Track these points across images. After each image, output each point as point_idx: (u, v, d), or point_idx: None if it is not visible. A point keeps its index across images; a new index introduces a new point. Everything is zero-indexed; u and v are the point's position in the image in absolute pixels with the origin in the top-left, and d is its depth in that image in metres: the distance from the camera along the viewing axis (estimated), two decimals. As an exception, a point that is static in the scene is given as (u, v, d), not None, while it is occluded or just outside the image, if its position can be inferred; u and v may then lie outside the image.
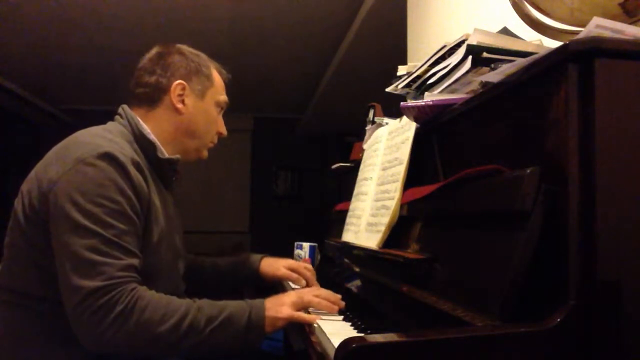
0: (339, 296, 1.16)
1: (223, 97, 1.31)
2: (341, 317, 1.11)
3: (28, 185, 1.07)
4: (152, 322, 0.95)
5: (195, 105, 1.24)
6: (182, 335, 0.96)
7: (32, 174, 1.09)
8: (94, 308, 0.92)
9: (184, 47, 1.28)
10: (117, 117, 1.22)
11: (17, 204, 1.08)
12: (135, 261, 1.00)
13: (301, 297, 1.11)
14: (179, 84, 1.22)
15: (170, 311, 0.97)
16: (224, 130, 1.33)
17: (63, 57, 4.81)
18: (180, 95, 1.22)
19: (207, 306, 1.01)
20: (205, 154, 1.31)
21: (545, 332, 0.65)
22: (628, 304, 0.67)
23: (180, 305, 0.99)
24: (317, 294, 1.14)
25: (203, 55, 1.30)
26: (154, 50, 1.27)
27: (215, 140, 1.32)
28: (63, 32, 4.22)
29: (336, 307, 1.13)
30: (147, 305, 0.96)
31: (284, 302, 1.07)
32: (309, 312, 1.12)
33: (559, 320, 0.65)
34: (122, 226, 1.00)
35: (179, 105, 1.22)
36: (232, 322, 1.00)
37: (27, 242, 1.05)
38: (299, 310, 1.08)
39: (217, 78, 1.30)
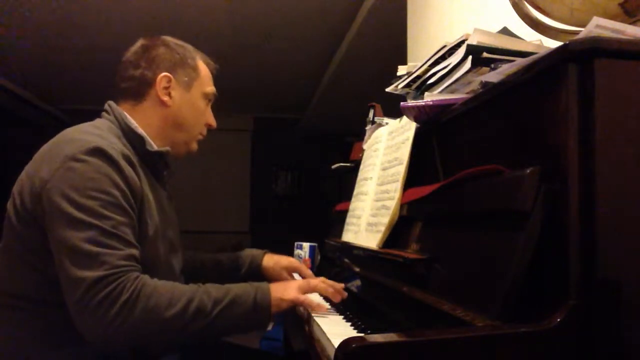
0: (342, 285, 1.19)
1: (210, 88, 1.29)
2: (341, 317, 1.11)
3: (19, 186, 1.06)
4: (159, 308, 0.94)
5: (182, 98, 1.22)
6: (190, 319, 0.95)
7: (23, 174, 1.08)
8: (99, 298, 0.91)
9: (169, 39, 1.26)
10: (103, 113, 1.21)
11: (10, 206, 1.07)
12: (135, 251, 1.00)
13: (308, 282, 1.15)
14: (164, 76, 1.20)
15: (176, 296, 0.96)
16: (213, 122, 1.31)
17: (63, 57, 4.81)
18: (166, 87, 1.20)
19: (212, 289, 1.01)
20: (194, 146, 1.29)
21: (545, 332, 0.65)
22: (628, 303, 0.67)
23: (185, 289, 0.99)
24: (323, 280, 1.18)
25: (189, 46, 1.28)
26: (138, 43, 1.25)
27: (205, 133, 1.30)
28: (63, 32, 4.22)
29: (339, 296, 1.16)
30: (152, 292, 0.95)
31: (290, 285, 1.11)
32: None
33: (559, 320, 0.65)
34: (118, 217, 0.99)
35: (165, 98, 1.20)
36: (238, 303, 1.00)
37: (21, 244, 1.04)
38: (305, 294, 1.10)
39: (204, 69, 1.28)
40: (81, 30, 4.19)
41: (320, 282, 1.17)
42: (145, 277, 0.97)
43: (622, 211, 0.68)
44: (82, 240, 0.94)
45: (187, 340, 1.01)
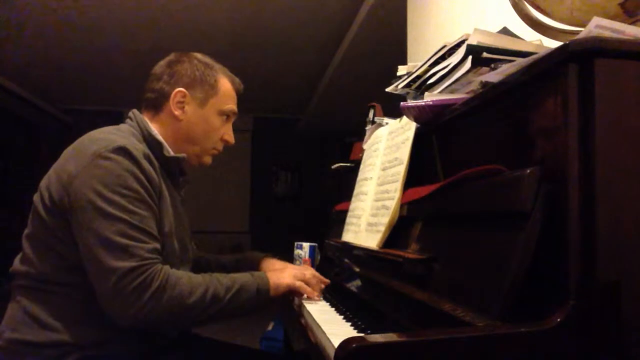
0: (328, 281, 1.36)
1: (229, 107, 1.33)
2: (341, 317, 1.11)
3: (46, 181, 1.14)
4: (182, 296, 1.06)
5: (195, 113, 1.28)
6: (208, 304, 1.09)
7: (50, 171, 1.16)
8: (134, 286, 1.01)
9: (197, 56, 1.32)
10: (127, 119, 1.28)
11: (37, 198, 1.15)
12: (158, 245, 1.10)
13: (302, 272, 1.30)
14: (179, 91, 1.26)
15: (195, 285, 1.09)
16: (230, 138, 1.36)
17: (63, 57, 4.81)
18: (180, 102, 1.27)
19: (222, 278, 1.15)
20: (207, 159, 1.35)
21: (545, 332, 0.65)
22: (628, 304, 0.67)
23: (201, 279, 1.12)
24: (315, 275, 1.33)
25: (214, 65, 1.32)
26: (168, 57, 1.32)
27: (220, 147, 1.36)
28: (63, 32, 4.22)
29: (318, 288, 1.32)
30: (176, 282, 1.07)
31: (285, 272, 1.26)
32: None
33: (559, 320, 0.65)
34: (144, 213, 1.08)
35: (177, 112, 1.27)
36: (245, 289, 1.15)
37: (46, 232, 1.12)
38: (297, 281, 1.25)
39: (225, 87, 1.32)
40: (81, 30, 4.19)
41: (312, 276, 1.31)
42: (168, 268, 1.08)
43: (622, 211, 0.68)
44: (114, 233, 1.03)
45: (203, 322, 1.13)
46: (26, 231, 1.17)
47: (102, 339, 1.10)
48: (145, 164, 1.13)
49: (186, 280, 1.08)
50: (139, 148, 1.14)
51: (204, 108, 1.29)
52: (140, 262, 1.03)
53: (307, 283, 1.27)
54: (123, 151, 1.09)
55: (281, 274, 1.25)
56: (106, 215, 1.04)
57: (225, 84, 1.33)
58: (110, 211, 1.04)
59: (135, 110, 1.29)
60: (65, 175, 1.09)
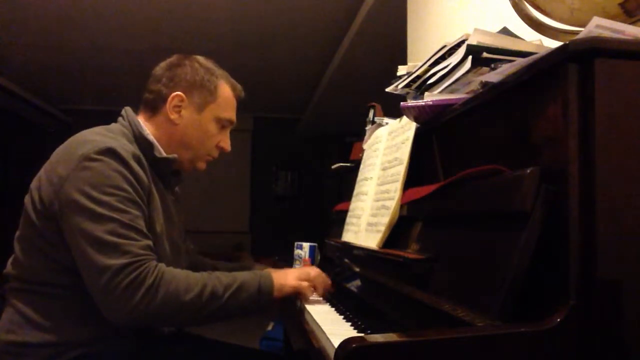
0: (330, 283, 1.33)
1: (227, 114, 1.31)
2: (341, 317, 1.11)
3: (36, 183, 1.13)
4: (178, 292, 1.04)
5: (191, 118, 1.27)
6: (205, 302, 1.06)
7: (41, 172, 1.15)
8: (126, 282, 0.99)
9: (199, 60, 1.30)
10: (119, 118, 1.27)
11: (27, 200, 1.14)
12: (150, 242, 1.08)
13: (308, 273, 1.26)
14: (177, 95, 1.25)
15: (192, 282, 1.07)
16: (226, 146, 1.35)
17: (63, 57, 4.81)
18: (177, 106, 1.25)
19: (222, 276, 1.12)
20: (200, 165, 1.34)
21: (545, 332, 0.65)
22: (628, 304, 0.67)
23: (199, 276, 1.09)
24: (320, 274, 1.30)
25: (216, 70, 1.30)
26: (170, 59, 1.31)
27: (215, 154, 1.34)
28: (63, 32, 4.22)
29: (323, 292, 1.30)
30: (172, 278, 1.05)
31: (291, 273, 1.24)
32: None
33: (559, 320, 0.65)
34: (134, 211, 1.07)
35: (173, 116, 1.25)
36: (245, 288, 1.12)
37: (36, 234, 1.11)
38: (303, 282, 1.22)
39: (225, 95, 1.31)
40: (81, 30, 4.19)
41: (317, 274, 1.28)
42: (163, 265, 1.06)
43: (622, 211, 0.68)
44: (105, 232, 1.02)
45: (201, 321, 1.11)
46: (17, 233, 1.16)
47: (97, 337, 1.10)
48: (134, 164, 1.12)
49: (183, 277, 1.06)
50: (128, 149, 1.12)
51: (200, 114, 1.27)
52: (133, 258, 1.01)
53: (312, 283, 1.25)
54: (111, 152, 1.08)
55: (286, 274, 1.22)
56: (96, 216, 1.03)
57: (226, 91, 1.31)
58: (100, 212, 1.03)
59: (127, 109, 1.27)
60: (56, 178, 1.08)
